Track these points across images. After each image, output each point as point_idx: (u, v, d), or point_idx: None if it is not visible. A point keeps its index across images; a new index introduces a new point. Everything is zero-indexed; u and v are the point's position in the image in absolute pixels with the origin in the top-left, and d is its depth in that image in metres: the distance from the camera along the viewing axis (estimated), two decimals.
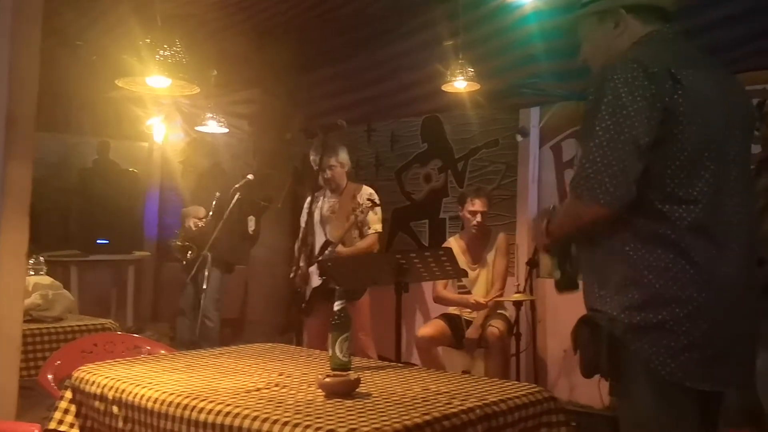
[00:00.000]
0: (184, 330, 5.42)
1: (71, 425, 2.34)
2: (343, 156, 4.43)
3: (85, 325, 3.76)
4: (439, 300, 4.83)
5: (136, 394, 2.11)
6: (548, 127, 5.38)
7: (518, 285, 4.72)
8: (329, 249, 4.27)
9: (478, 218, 4.68)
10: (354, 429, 1.67)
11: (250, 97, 6.29)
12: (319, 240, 4.42)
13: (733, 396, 2.00)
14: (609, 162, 1.71)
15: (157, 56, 3.25)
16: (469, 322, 4.64)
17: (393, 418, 1.76)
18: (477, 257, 4.75)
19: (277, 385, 2.16)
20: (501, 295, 4.66)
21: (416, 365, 3.33)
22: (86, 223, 6.66)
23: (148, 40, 3.30)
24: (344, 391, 2.02)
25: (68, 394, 2.38)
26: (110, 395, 2.20)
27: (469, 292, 4.70)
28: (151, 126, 7.11)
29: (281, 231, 6.00)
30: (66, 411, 2.36)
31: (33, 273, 3.84)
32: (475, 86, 4.52)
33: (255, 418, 1.78)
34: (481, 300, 4.57)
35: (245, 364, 2.53)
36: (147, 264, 7.30)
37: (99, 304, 6.47)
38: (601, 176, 1.72)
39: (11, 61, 2.93)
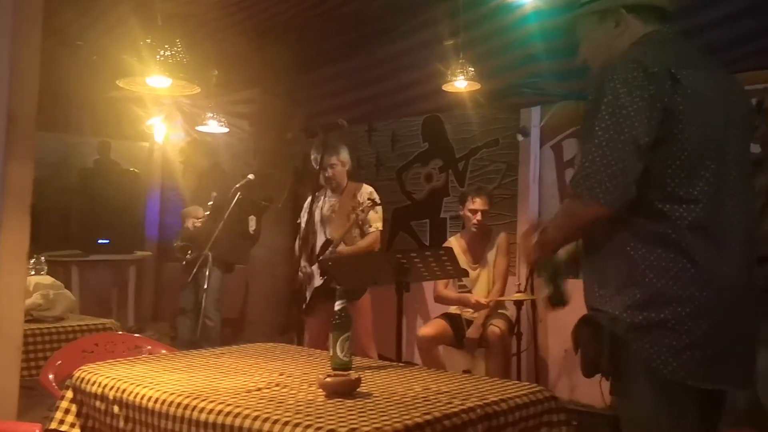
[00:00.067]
0: (184, 330, 5.43)
1: (72, 425, 2.34)
2: (344, 155, 4.42)
3: (86, 324, 3.77)
4: (439, 299, 4.82)
5: (137, 393, 2.11)
6: (549, 126, 5.38)
7: (519, 284, 4.73)
8: (330, 248, 4.27)
9: (479, 217, 4.67)
10: (355, 429, 1.67)
11: (250, 96, 6.29)
12: (320, 239, 4.41)
13: (733, 396, 2.00)
14: (609, 162, 1.71)
15: (158, 56, 3.26)
16: (469, 322, 4.64)
17: (394, 418, 1.76)
18: (478, 257, 4.74)
19: (277, 385, 2.16)
20: (502, 295, 4.66)
21: (417, 365, 3.33)
22: (87, 223, 6.65)
23: (148, 40, 3.31)
24: (345, 390, 2.02)
25: (69, 394, 2.38)
26: (111, 395, 2.20)
27: (469, 292, 4.69)
28: (151, 126, 7.10)
29: (282, 231, 6.00)
30: (67, 411, 2.36)
31: (34, 273, 3.84)
32: (476, 86, 4.52)
33: (256, 418, 1.78)
34: (482, 299, 4.56)
35: (246, 363, 2.53)
36: (148, 264, 7.30)
37: (100, 303, 6.48)
38: (600, 176, 1.72)
39: (11, 61, 2.93)
